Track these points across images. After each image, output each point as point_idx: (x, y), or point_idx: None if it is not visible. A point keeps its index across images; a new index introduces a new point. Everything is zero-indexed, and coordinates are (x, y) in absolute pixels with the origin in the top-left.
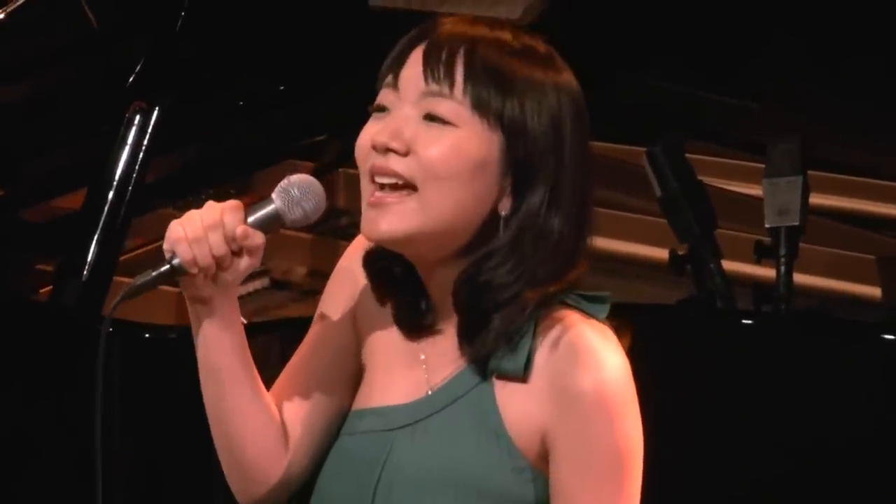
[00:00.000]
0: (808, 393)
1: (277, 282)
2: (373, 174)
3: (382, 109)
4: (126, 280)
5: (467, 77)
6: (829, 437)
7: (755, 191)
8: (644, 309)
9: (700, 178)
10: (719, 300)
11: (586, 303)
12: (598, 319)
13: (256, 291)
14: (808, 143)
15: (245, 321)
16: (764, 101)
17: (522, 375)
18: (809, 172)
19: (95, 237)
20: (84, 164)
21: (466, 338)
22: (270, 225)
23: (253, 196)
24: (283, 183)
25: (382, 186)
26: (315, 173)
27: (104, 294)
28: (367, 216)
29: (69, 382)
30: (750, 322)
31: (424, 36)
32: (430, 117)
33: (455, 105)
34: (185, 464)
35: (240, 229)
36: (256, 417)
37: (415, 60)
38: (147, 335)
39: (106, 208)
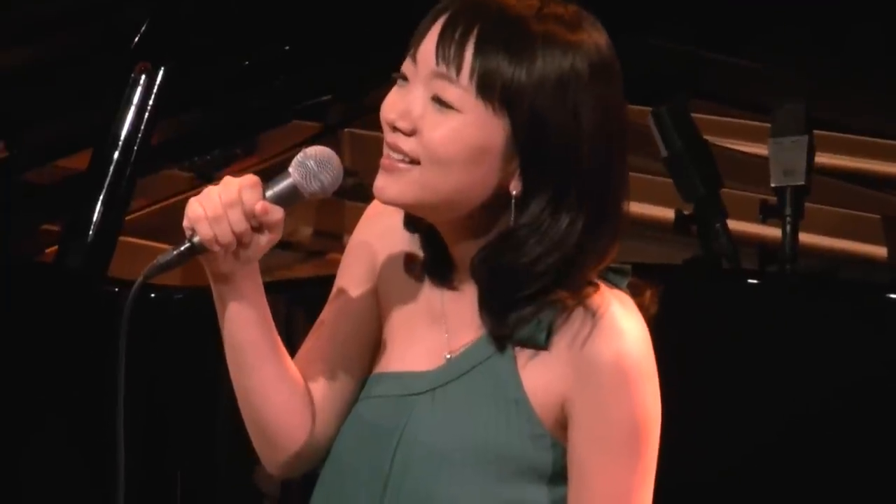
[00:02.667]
0: (814, 353)
1: (283, 242)
2: (386, 144)
3: (404, 79)
4: (131, 241)
5: (477, 55)
6: (834, 398)
7: (760, 150)
8: (649, 269)
9: (705, 137)
10: (725, 260)
11: (608, 272)
12: (619, 288)
13: None
14: (812, 103)
15: None
16: (769, 61)
17: (544, 344)
18: (815, 132)
19: (101, 198)
20: (89, 126)
21: (485, 314)
22: (289, 199)
23: (259, 156)
24: (300, 156)
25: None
26: (319, 134)
27: (109, 255)
28: (378, 179)
29: (76, 342)
30: (755, 282)
31: (450, 5)
32: (437, 100)
33: (460, 91)
34: (191, 424)
35: (259, 205)
36: (283, 391)
37: (433, 34)
38: (153, 295)
39: (111, 169)
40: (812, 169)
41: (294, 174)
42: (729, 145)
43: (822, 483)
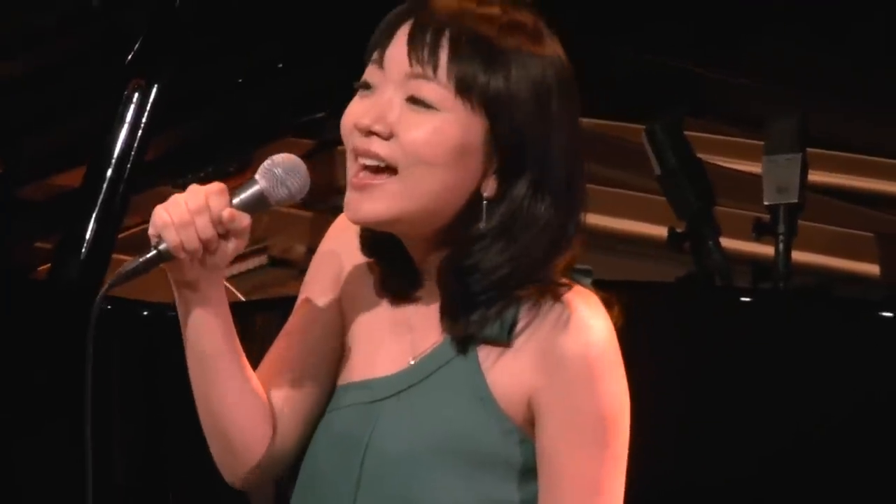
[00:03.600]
0: (807, 370)
1: (276, 259)
2: (356, 154)
3: (368, 87)
4: (125, 258)
5: (452, 58)
6: (827, 415)
7: (754, 168)
8: (643, 286)
9: (699, 155)
10: (718, 277)
11: (572, 272)
12: (583, 285)
13: (255, 269)
14: (807, 121)
15: (244, 299)
16: (763, 78)
17: (507, 341)
18: (808, 150)
19: (94, 214)
20: (83, 142)
21: (450, 316)
22: (256, 206)
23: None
24: (267, 163)
25: (365, 167)
26: (314, 150)
27: (103, 271)
28: (350, 198)
29: (70, 358)
30: (748, 299)
31: (412, 12)
32: (414, 100)
33: (439, 89)
34: (184, 441)
35: (226, 212)
36: (244, 401)
37: (401, 39)
38: (146, 313)
39: (105, 186)
40: (805, 186)
41: (261, 181)
42: (722, 163)
43: (815, 498)
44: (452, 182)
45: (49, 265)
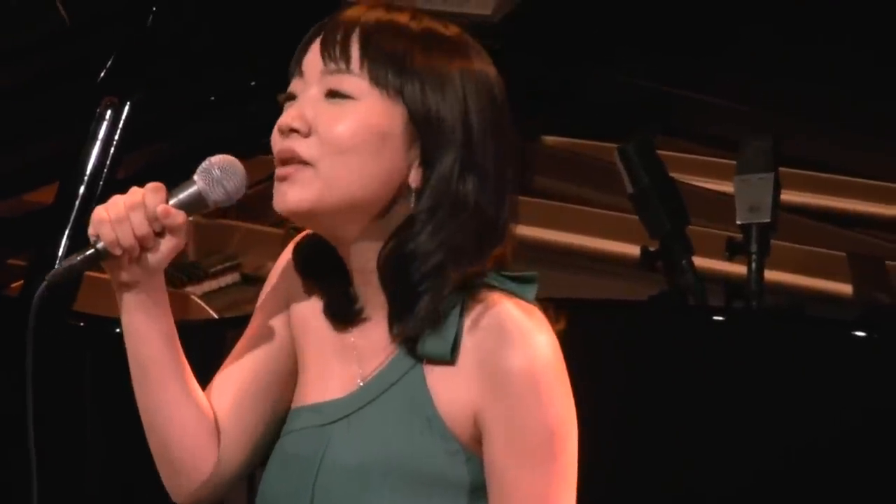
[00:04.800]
0: (779, 389)
1: (249, 277)
2: (279, 157)
3: (292, 98)
4: (97, 276)
5: (364, 50)
6: (799, 434)
7: (727, 187)
8: (615, 305)
9: (672, 174)
10: (690, 297)
11: (512, 283)
12: (525, 300)
13: (228, 287)
14: (780, 141)
15: (216, 316)
16: (736, 97)
17: (450, 359)
18: (781, 169)
19: (66, 232)
20: (55, 159)
21: (394, 317)
22: (193, 205)
23: None
24: (205, 164)
25: (286, 163)
26: None
27: (75, 290)
28: (275, 191)
29: (41, 375)
30: (721, 318)
31: (324, 26)
32: (332, 93)
33: (354, 79)
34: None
35: (160, 208)
36: (186, 411)
37: (315, 47)
38: (118, 330)
39: (77, 203)
40: (778, 206)
41: (198, 181)
42: (695, 182)
43: None
44: (374, 170)
45: (21, 282)
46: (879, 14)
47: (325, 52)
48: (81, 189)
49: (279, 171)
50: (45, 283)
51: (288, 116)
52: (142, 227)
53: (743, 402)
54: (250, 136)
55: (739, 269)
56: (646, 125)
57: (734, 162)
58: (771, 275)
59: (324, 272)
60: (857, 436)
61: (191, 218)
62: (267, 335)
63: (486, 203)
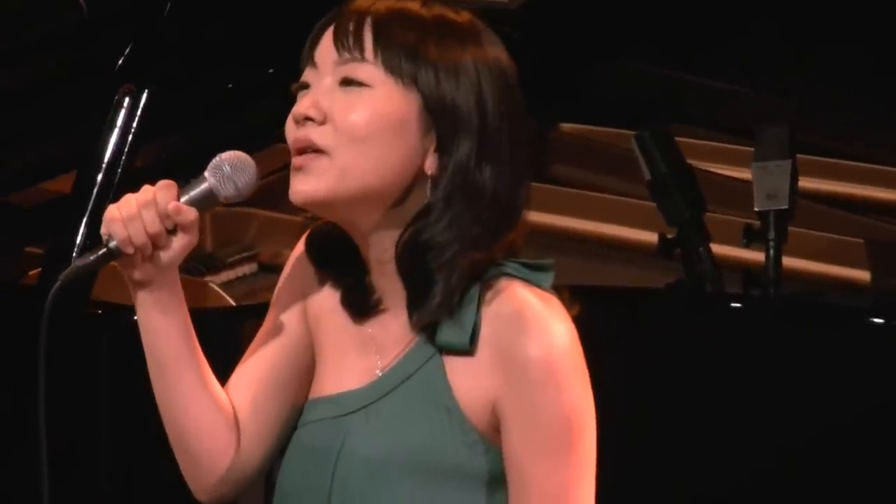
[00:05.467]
0: (797, 377)
1: (266, 265)
2: (294, 147)
3: (305, 87)
4: (114, 264)
5: (377, 38)
6: (817, 422)
7: (744, 174)
8: (633, 292)
9: (689, 161)
10: (708, 284)
11: (528, 271)
12: (541, 288)
13: (246, 275)
14: (797, 127)
15: (234, 304)
16: (753, 85)
17: (469, 348)
18: (798, 156)
19: (84, 221)
20: (73, 148)
21: (412, 306)
22: (204, 202)
23: None
24: (215, 160)
25: (301, 152)
26: None
27: (93, 278)
28: (291, 182)
29: (58, 364)
30: (738, 306)
31: (335, 15)
32: (346, 81)
33: (368, 66)
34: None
35: (172, 205)
36: (204, 406)
37: (328, 37)
38: (135, 318)
39: (95, 192)
40: (796, 193)
41: (209, 178)
42: (713, 169)
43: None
44: (389, 158)
45: (39, 271)
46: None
47: (338, 42)
48: (99, 178)
49: (295, 160)
50: (58, 282)
51: (302, 105)
52: (153, 224)
53: (761, 390)
54: (267, 124)
55: (757, 256)
56: (662, 112)
57: (752, 149)
58: (788, 262)
59: (339, 263)
60: (877, 423)
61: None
62: (283, 329)
63: (503, 190)
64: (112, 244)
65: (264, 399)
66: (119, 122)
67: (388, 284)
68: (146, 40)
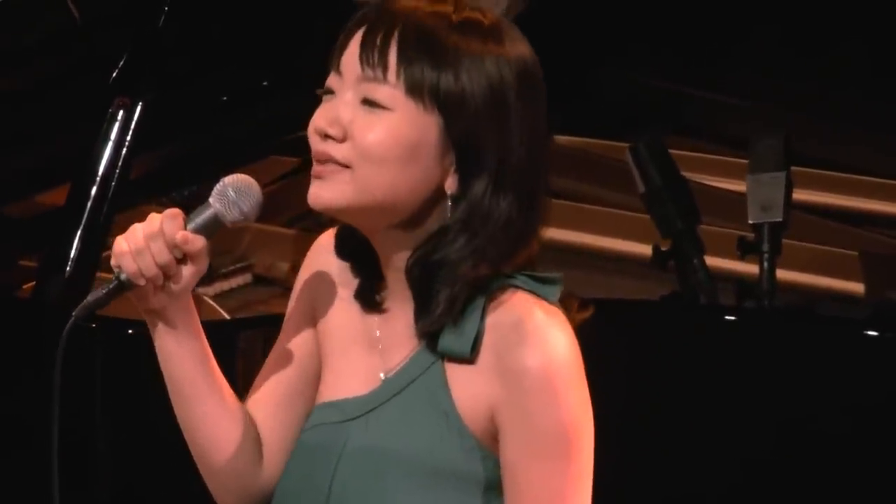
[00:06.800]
0: (791, 389)
1: (260, 277)
2: (316, 158)
3: (330, 92)
4: (109, 276)
5: (401, 59)
6: (812, 434)
7: (739, 186)
8: (627, 304)
9: (683, 173)
10: (702, 296)
11: (536, 284)
12: (547, 301)
13: (239, 287)
14: (791, 139)
15: (228, 317)
16: (747, 96)
17: (469, 356)
18: (793, 168)
19: (78, 233)
20: (67, 160)
21: (418, 314)
22: (210, 228)
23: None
24: (219, 185)
25: (322, 162)
26: (297, 169)
27: (87, 290)
28: (311, 188)
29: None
30: (733, 318)
31: (366, 17)
32: (367, 101)
33: (389, 89)
34: (167, 461)
35: (179, 235)
36: (225, 426)
37: (355, 44)
38: (130, 331)
39: (89, 204)
40: (790, 205)
41: (214, 204)
42: (707, 181)
43: None
44: (406, 179)
45: (33, 283)
46: (892, 10)
47: (363, 56)
48: (93, 190)
49: (316, 168)
50: (72, 319)
51: (324, 120)
52: (162, 255)
53: (755, 402)
54: (260, 136)
55: (751, 268)
56: (657, 124)
57: (746, 161)
58: (783, 274)
59: (360, 256)
60: (870, 435)
61: None
62: (296, 343)
63: (520, 213)
64: (123, 276)
65: (283, 414)
66: (113, 134)
67: (399, 288)
68: (141, 50)
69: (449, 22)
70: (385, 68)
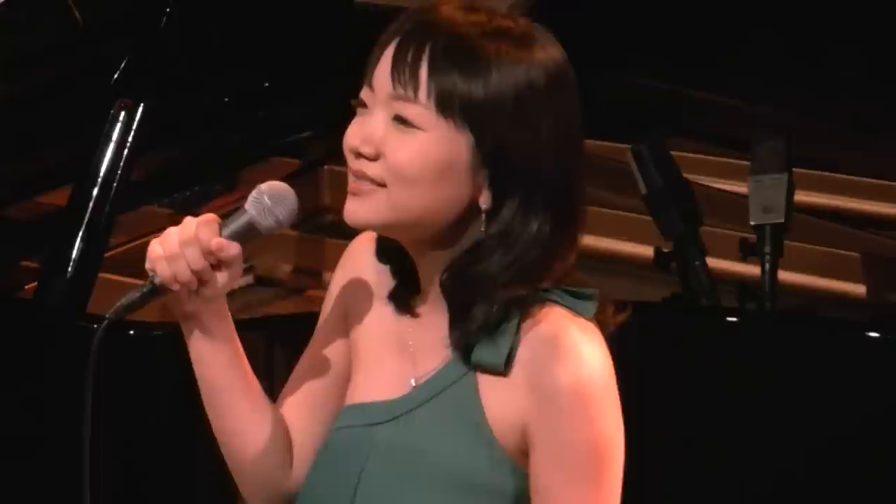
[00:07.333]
0: (793, 391)
1: (262, 279)
2: (352, 173)
3: (364, 106)
4: (110, 277)
5: (431, 76)
6: (814, 437)
7: (740, 188)
8: (628, 306)
9: (685, 175)
10: (704, 298)
11: (571, 299)
12: (583, 317)
13: (241, 289)
14: (793, 141)
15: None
16: (749, 98)
17: (503, 370)
18: (794, 170)
19: (80, 234)
20: (69, 162)
21: (452, 326)
22: (245, 235)
23: (239, 193)
24: (255, 192)
25: (358, 178)
26: (299, 171)
27: (89, 291)
28: (347, 204)
29: (55, 379)
30: (734, 320)
31: (399, 30)
32: (399, 119)
33: (420, 109)
34: (169, 461)
35: (214, 242)
36: (258, 430)
37: (386, 59)
38: (132, 332)
39: (90, 206)
40: (792, 207)
41: (250, 210)
42: (709, 183)
43: None
44: (439, 197)
45: (35, 285)
46: (893, 12)
47: (394, 73)
48: (95, 191)
49: (352, 185)
50: (105, 320)
51: (357, 138)
52: (197, 261)
53: (756, 404)
54: (261, 138)
55: (753, 269)
56: (658, 125)
57: (748, 162)
58: (784, 276)
59: (399, 260)
60: (872, 438)
61: None
62: (328, 346)
63: (556, 224)
64: (157, 280)
65: (316, 417)
66: (115, 136)
67: (434, 297)
68: (143, 53)
69: (482, 31)
70: (416, 87)
